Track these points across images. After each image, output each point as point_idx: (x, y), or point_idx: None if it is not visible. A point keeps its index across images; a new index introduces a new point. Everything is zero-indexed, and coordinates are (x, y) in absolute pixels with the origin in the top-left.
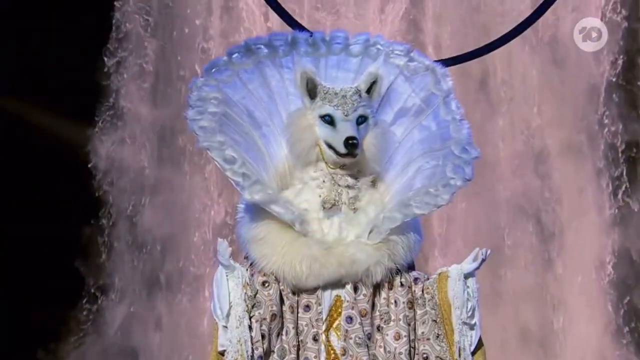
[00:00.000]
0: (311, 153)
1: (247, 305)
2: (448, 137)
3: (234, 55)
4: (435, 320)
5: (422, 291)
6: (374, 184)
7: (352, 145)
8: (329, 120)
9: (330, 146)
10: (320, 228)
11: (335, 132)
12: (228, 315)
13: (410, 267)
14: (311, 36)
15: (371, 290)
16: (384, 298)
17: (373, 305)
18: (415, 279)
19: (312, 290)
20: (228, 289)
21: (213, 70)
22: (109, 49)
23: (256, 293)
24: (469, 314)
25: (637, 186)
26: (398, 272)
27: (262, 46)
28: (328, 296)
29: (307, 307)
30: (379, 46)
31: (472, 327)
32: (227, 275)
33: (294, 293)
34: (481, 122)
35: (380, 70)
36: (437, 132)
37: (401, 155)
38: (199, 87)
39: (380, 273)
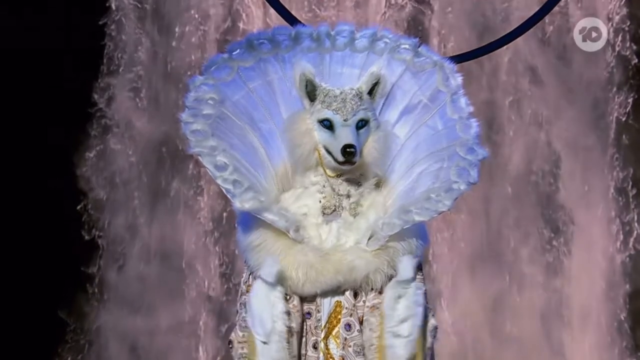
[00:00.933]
0: (310, 158)
1: (287, 320)
2: (454, 136)
3: (234, 53)
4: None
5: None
6: (377, 186)
7: (349, 153)
8: (327, 125)
9: (328, 152)
10: (318, 234)
11: (334, 138)
12: (270, 331)
13: None
14: (315, 31)
15: None
16: None
17: None
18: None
19: (312, 298)
20: (270, 302)
21: (212, 68)
22: (100, 85)
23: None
24: (399, 322)
25: None
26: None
27: (265, 41)
28: (328, 303)
29: (309, 315)
30: (386, 40)
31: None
32: (267, 289)
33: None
34: (487, 163)
35: (383, 70)
36: (443, 131)
37: (405, 156)
38: (197, 86)
39: (380, 280)
